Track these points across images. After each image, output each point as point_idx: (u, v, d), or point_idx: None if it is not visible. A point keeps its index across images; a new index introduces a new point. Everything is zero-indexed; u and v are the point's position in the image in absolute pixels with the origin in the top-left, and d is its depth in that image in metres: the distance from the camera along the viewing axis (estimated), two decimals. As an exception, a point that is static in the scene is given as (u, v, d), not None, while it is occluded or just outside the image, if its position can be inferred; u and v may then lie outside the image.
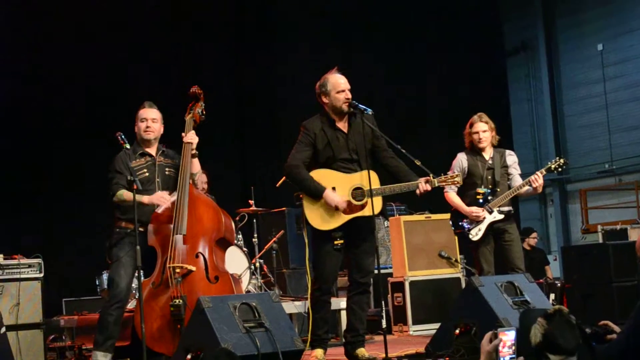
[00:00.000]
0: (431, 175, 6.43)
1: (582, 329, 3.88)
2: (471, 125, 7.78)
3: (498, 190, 7.65)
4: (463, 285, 8.87)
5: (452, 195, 7.75)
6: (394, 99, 14.18)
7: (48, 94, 11.31)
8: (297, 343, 5.61)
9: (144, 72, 11.42)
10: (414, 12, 14.73)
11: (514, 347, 3.79)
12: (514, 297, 6.36)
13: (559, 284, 8.58)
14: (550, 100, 20.03)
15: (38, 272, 7.49)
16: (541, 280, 9.38)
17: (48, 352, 7.78)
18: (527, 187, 7.58)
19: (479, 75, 15.34)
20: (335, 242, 6.40)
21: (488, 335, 3.85)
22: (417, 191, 6.47)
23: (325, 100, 6.53)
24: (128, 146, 6.48)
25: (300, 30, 13.79)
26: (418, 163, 6.39)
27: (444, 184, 6.52)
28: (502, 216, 7.60)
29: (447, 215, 9.30)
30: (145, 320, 5.96)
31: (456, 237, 9.22)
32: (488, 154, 7.75)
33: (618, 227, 12.42)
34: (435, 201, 9.22)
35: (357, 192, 6.42)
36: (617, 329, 4.46)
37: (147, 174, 6.51)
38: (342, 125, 6.54)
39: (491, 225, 7.60)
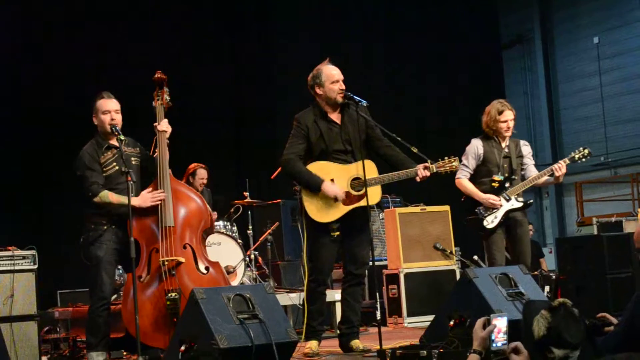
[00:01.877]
0: (429, 161, 6.43)
1: (584, 321, 3.87)
2: (500, 113, 7.60)
3: (515, 178, 7.63)
4: (458, 277, 8.87)
5: (465, 182, 7.66)
6: (388, 90, 14.16)
7: (47, 91, 11.28)
8: (291, 334, 5.60)
9: (141, 66, 11.39)
10: (410, 3, 14.71)
11: (506, 333, 3.80)
12: (509, 288, 6.34)
13: (553, 276, 8.57)
14: (546, 93, 20.09)
15: (32, 263, 7.46)
16: (536, 272, 9.37)
17: (42, 344, 7.75)
18: (546, 177, 7.58)
19: (474, 67, 15.33)
20: (332, 233, 6.40)
21: (481, 321, 3.84)
22: (417, 178, 6.46)
23: (319, 91, 6.51)
24: (122, 137, 6.37)
25: (300, 22, 13.77)
26: (415, 150, 6.38)
27: (442, 169, 6.47)
28: (520, 204, 7.57)
29: (443, 207, 9.35)
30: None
31: (451, 227, 9.24)
32: (504, 141, 7.70)
33: (613, 219, 12.42)
34: (430, 193, 9.23)
35: (356, 183, 6.41)
36: (614, 321, 4.46)
37: (116, 167, 6.37)
38: (335, 117, 6.53)
39: (507, 214, 7.58)
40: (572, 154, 7.66)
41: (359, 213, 6.43)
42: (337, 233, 6.43)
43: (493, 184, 7.58)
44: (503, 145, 7.67)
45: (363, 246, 6.58)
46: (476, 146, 7.67)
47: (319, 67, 6.55)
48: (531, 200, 7.76)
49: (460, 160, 7.66)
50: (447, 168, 6.50)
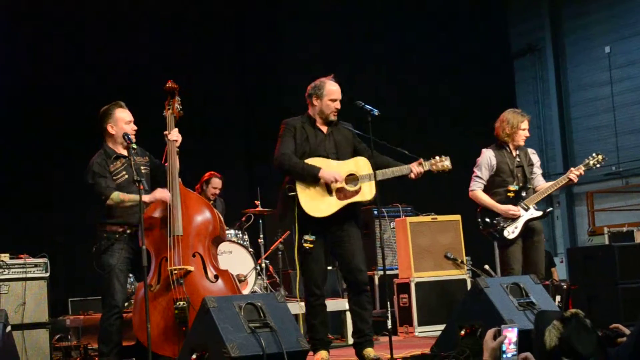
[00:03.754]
0: (421, 159, 6.53)
1: (597, 333, 3.85)
2: (521, 122, 7.67)
3: (529, 187, 7.64)
4: (469, 286, 8.86)
5: (480, 194, 7.67)
6: (400, 100, 14.16)
7: (50, 93, 11.31)
8: (302, 343, 5.61)
9: (145, 70, 11.44)
10: (421, 13, 14.72)
11: (517, 344, 3.78)
12: (520, 298, 6.35)
13: (565, 286, 8.56)
14: (557, 103, 20.04)
15: (44, 271, 7.50)
16: (547, 282, 9.36)
17: (54, 352, 7.79)
18: (563, 182, 7.65)
19: (486, 76, 15.32)
20: (305, 245, 6.39)
21: (491, 331, 3.83)
22: (411, 174, 6.55)
23: (315, 102, 6.59)
24: (134, 146, 6.40)
25: (307, 31, 13.77)
26: (406, 152, 6.49)
27: (434, 167, 6.58)
28: (540, 213, 7.59)
29: (454, 217, 9.34)
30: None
31: (462, 236, 9.23)
32: (515, 150, 7.73)
33: (624, 229, 12.40)
34: (441, 202, 9.22)
35: (350, 178, 6.44)
36: (627, 331, 4.44)
37: (126, 176, 6.38)
38: (323, 128, 6.62)
39: (526, 223, 7.58)
40: (587, 160, 7.70)
41: (350, 213, 6.47)
42: (311, 246, 6.40)
43: (509, 194, 7.60)
44: (514, 154, 7.68)
45: (356, 254, 6.54)
46: (488, 157, 7.66)
47: (322, 79, 6.63)
48: (550, 209, 7.81)
49: (472, 172, 7.71)
50: (440, 167, 6.60)
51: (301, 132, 6.54)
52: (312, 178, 6.39)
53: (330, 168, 6.43)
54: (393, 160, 6.63)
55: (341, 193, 6.44)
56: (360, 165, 6.49)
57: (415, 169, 6.53)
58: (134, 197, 6.21)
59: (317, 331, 6.52)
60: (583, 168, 7.65)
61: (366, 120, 6.48)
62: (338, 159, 6.53)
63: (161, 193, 6.39)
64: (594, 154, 7.75)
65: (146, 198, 6.21)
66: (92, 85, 11.26)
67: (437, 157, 6.60)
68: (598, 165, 7.72)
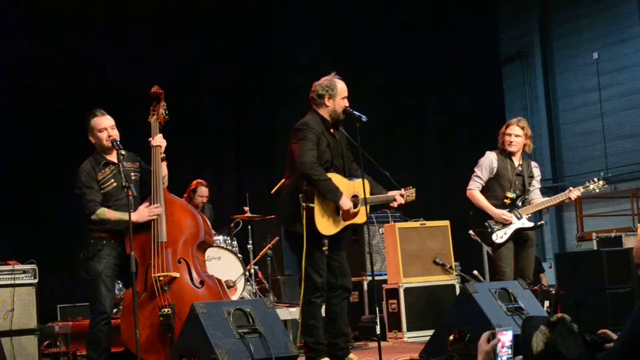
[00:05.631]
0: (403, 189, 6.66)
1: (584, 337, 3.87)
2: (507, 127, 7.84)
3: (526, 197, 7.72)
4: (457, 292, 8.88)
5: (477, 194, 7.75)
6: (388, 106, 14.18)
7: (46, 100, 11.29)
8: (291, 349, 5.62)
9: (140, 76, 11.43)
10: (410, 19, 14.75)
11: (511, 348, 3.79)
12: (508, 303, 6.37)
13: (553, 291, 8.59)
14: (545, 109, 20.12)
15: (32, 277, 7.49)
16: (536, 287, 9.39)
17: (42, 358, 7.78)
18: (560, 200, 7.76)
19: (474, 83, 15.34)
20: (323, 248, 6.42)
21: (485, 335, 3.82)
22: (395, 203, 6.66)
23: (327, 102, 6.48)
24: (123, 152, 6.37)
25: (299, 38, 13.79)
26: (387, 174, 6.59)
27: (408, 198, 6.68)
28: (531, 224, 7.69)
29: (442, 222, 9.36)
30: (133, 330, 5.94)
31: (451, 242, 9.25)
32: (517, 160, 7.80)
33: (613, 234, 12.44)
34: (429, 208, 9.24)
35: (354, 200, 6.45)
36: (615, 336, 4.45)
37: (115, 184, 6.35)
38: (333, 132, 6.58)
39: (517, 231, 7.66)
40: (587, 183, 7.86)
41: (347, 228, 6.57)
42: (326, 248, 6.43)
43: (505, 200, 7.69)
44: (516, 163, 7.76)
45: (346, 260, 6.67)
46: (491, 159, 7.76)
47: (330, 78, 6.53)
48: (542, 222, 7.90)
49: (473, 172, 7.79)
50: (409, 199, 6.71)
51: (323, 139, 6.44)
52: (333, 199, 6.35)
53: (346, 190, 6.42)
54: (372, 180, 6.68)
55: (346, 214, 6.45)
56: (363, 188, 6.43)
57: (399, 199, 6.64)
58: (119, 215, 6.21)
59: (319, 335, 6.48)
60: (582, 190, 7.76)
61: (354, 127, 6.48)
62: (343, 166, 6.55)
63: (149, 213, 6.33)
64: (595, 179, 7.89)
65: (132, 217, 6.14)
66: (85, 94, 11.23)
67: (409, 189, 6.70)
68: (597, 190, 7.84)
